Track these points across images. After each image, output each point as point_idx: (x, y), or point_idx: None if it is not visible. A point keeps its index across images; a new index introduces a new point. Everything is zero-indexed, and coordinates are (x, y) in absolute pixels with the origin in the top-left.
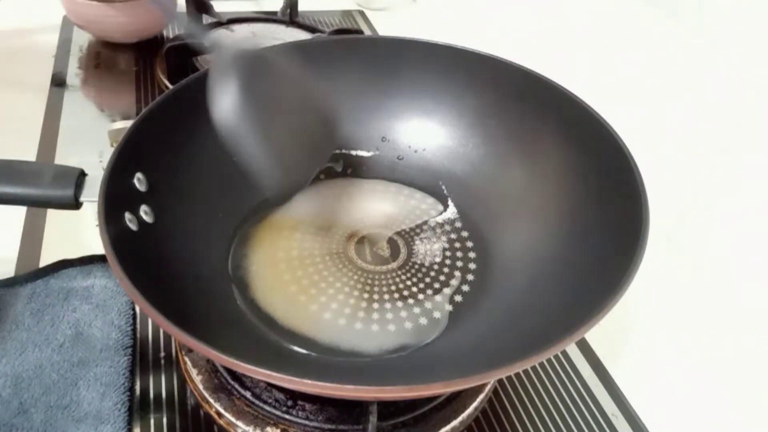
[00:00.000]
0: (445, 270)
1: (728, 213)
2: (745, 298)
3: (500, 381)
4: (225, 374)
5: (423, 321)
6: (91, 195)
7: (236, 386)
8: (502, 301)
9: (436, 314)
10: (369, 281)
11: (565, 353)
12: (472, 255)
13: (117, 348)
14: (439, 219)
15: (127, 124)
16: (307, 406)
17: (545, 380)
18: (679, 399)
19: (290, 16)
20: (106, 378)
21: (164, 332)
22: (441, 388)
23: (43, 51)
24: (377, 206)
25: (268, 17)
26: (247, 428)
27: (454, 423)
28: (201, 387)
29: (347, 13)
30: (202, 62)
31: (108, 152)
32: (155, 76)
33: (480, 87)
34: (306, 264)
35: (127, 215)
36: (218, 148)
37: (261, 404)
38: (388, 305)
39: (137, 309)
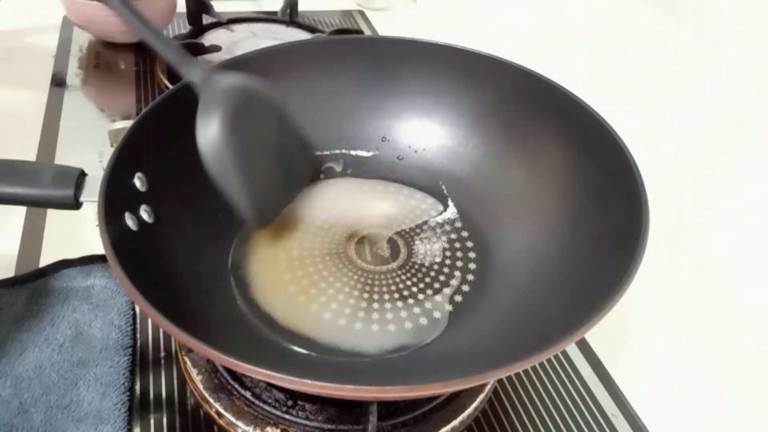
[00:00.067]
0: (445, 270)
1: (728, 213)
2: (745, 298)
3: (500, 381)
4: (225, 374)
5: (423, 321)
6: (91, 195)
7: (236, 386)
8: (502, 301)
9: (436, 314)
10: (369, 281)
11: (565, 353)
12: (472, 255)
13: (117, 348)
14: (439, 219)
15: (127, 124)
16: (307, 406)
17: (545, 380)
18: (679, 399)
19: (290, 16)
20: (106, 378)
21: (164, 332)
22: (441, 388)
23: (43, 51)
24: (377, 206)
25: (268, 17)
26: (247, 428)
27: (454, 423)
28: (201, 387)
29: (347, 13)
30: (202, 62)
31: (108, 152)
32: (155, 76)
33: (480, 87)
34: (306, 264)
35: (127, 215)
36: None
37: (261, 404)
38: (388, 305)
39: (137, 309)
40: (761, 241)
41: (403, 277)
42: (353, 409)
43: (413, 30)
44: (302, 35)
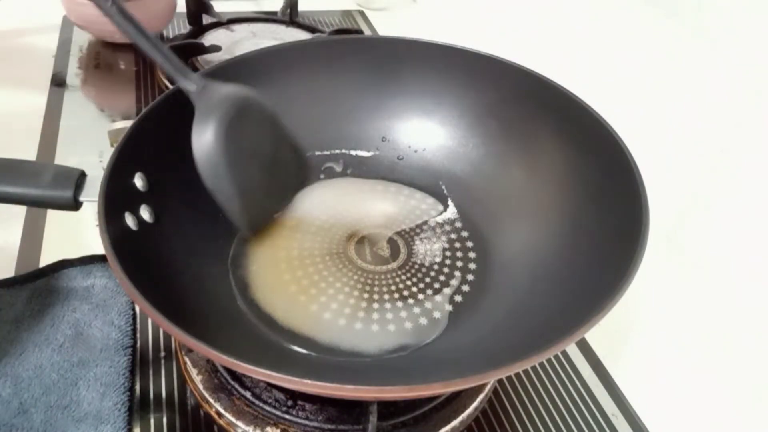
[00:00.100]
0: (445, 270)
1: (728, 213)
2: (745, 298)
3: (500, 381)
4: (225, 374)
5: (423, 321)
6: (91, 195)
7: (236, 386)
8: (502, 301)
9: (436, 314)
10: (369, 281)
11: (565, 353)
12: (472, 255)
13: (117, 348)
14: (439, 219)
15: (127, 124)
16: (307, 406)
17: (545, 380)
18: (679, 399)
19: (290, 16)
20: (106, 378)
21: (164, 332)
22: (441, 388)
23: (43, 51)
24: (377, 206)
25: (268, 17)
26: (247, 428)
27: (454, 423)
28: (201, 387)
29: (347, 13)
30: (202, 62)
31: (108, 152)
32: (155, 76)
33: (480, 87)
34: (306, 264)
35: (128, 215)
36: None
37: (261, 404)
38: (388, 305)
39: (137, 309)
40: (761, 241)
41: (403, 277)
42: (353, 409)
43: (413, 30)
44: (302, 35)
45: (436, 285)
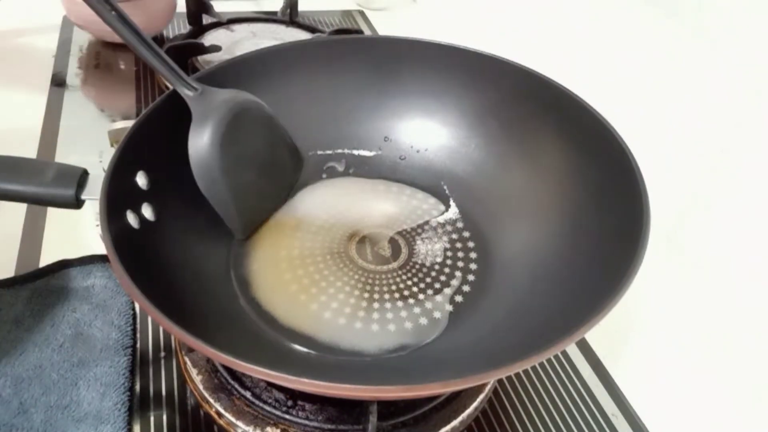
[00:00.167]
0: (446, 270)
1: (728, 213)
2: (745, 298)
3: (500, 381)
4: (225, 374)
5: (423, 321)
6: (93, 193)
7: (236, 386)
8: (502, 301)
9: (437, 314)
10: (370, 281)
11: (565, 353)
12: (473, 255)
13: (117, 348)
14: (441, 219)
15: (127, 124)
16: (307, 406)
17: (545, 380)
18: (679, 399)
19: (290, 16)
20: (106, 378)
21: (164, 332)
22: (440, 388)
23: (43, 51)
24: (379, 206)
25: (268, 17)
26: (247, 428)
27: (454, 423)
28: (201, 387)
29: (347, 13)
30: (202, 62)
31: (108, 152)
32: (155, 76)
33: (481, 87)
34: (307, 263)
35: (129, 213)
36: None
37: (261, 404)
38: (388, 305)
39: (137, 309)
40: (761, 241)
41: (404, 277)
42: (353, 409)
43: (413, 30)
44: (302, 35)
45: (437, 285)
